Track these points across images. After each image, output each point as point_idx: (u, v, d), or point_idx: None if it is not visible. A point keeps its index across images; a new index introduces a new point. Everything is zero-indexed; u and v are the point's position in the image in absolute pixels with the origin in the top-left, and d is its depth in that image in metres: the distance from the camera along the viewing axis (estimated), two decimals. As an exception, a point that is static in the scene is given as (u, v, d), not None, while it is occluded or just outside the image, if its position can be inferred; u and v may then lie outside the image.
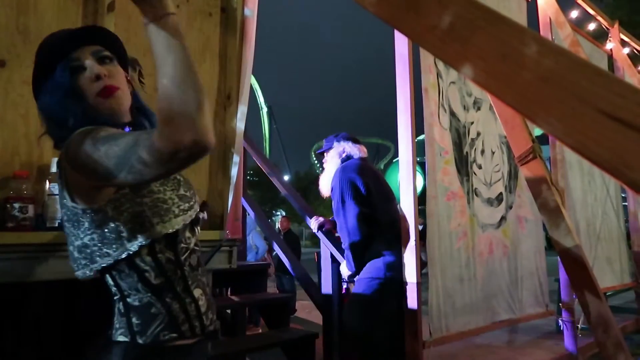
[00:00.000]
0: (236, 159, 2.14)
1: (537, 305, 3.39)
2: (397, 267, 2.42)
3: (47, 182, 1.69)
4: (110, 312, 1.08)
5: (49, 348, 1.78)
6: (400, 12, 0.71)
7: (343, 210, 2.50)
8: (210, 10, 2.25)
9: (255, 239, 6.16)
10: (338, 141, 2.76)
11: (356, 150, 2.70)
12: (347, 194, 2.50)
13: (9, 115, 1.70)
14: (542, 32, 4.41)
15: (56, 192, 1.67)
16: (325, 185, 2.73)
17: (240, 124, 2.18)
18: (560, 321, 3.63)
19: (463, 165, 2.95)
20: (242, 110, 2.19)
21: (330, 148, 2.78)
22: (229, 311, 3.47)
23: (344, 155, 2.71)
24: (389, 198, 2.63)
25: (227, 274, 2.95)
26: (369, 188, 2.52)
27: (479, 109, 3.23)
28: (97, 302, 1.86)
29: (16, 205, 1.59)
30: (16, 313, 1.70)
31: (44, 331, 1.75)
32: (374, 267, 2.42)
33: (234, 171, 2.13)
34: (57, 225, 1.65)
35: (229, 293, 3.69)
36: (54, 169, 1.69)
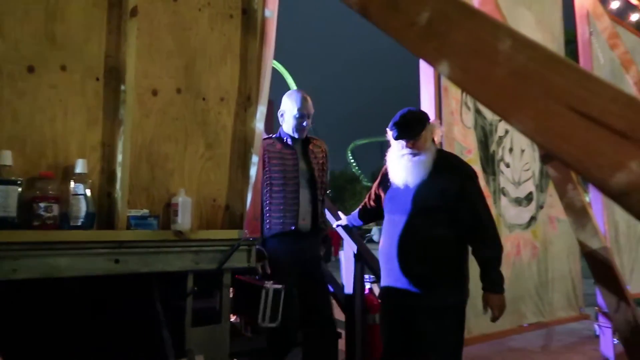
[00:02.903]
0: (255, 159, 2.17)
1: (569, 309, 3.27)
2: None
3: (72, 182, 1.76)
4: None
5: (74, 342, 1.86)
6: (381, 10, 0.71)
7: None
8: (232, 13, 2.28)
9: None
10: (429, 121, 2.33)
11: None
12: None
13: (37, 118, 1.78)
14: (578, 25, 4.26)
15: (80, 192, 1.74)
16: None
17: (259, 125, 2.21)
18: (596, 326, 3.50)
19: (489, 164, 2.89)
20: (262, 110, 2.22)
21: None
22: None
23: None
24: None
25: (249, 272, 2.98)
26: None
27: (508, 106, 3.14)
28: (118, 299, 1.93)
29: (42, 204, 1.66)
30: (41, 308, 1.78)
31: (66, 325, 1.82)
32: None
33: (253, 171, 2.16)
34: (80, 223, 1.72)
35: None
36: (78, 169, 1.76)
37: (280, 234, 2.54)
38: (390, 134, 2.32)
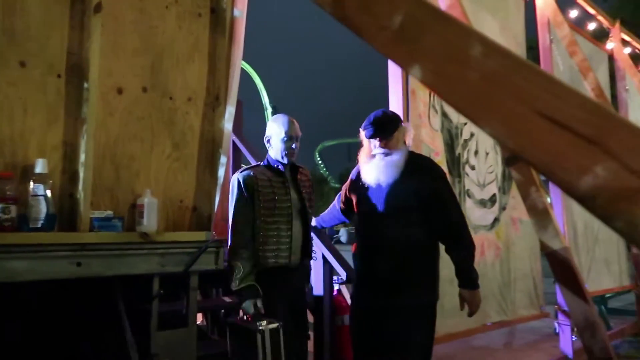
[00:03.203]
0: (223, 159, 2.14)
1: (531, 307, 3.37)
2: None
3: (31, 183, 1.69)
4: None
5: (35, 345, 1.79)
6: (354, 12, 0.71)
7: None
8: (200, 11, 2.25)
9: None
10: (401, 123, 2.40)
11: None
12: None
13: (-7, 116, 1.71)
14: (539, 32, 4.39)
15: (40, 192, 1.68)
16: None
17: (228, 125, 2.18)
18: (556, 323, 3.61)
19: (455, 166, 2.95)
20: (230, 111, 2.19)
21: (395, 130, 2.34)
22: (222, 312, 3.47)
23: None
24: None
25: (217, 274, 2.95)
26: None
27: (473, 109, 3.21)
28: (81, 302, 1.87)
29: (-1, 205, 1.59)
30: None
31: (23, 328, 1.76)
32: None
33: (221, 172, 2.13)
34: (39, 225, 1.66)
35: (220, 294, 3.69)
36: (38, 169, 1.70)
37: (272, 268, 2.36)
38: (363, 133, 2.34)
